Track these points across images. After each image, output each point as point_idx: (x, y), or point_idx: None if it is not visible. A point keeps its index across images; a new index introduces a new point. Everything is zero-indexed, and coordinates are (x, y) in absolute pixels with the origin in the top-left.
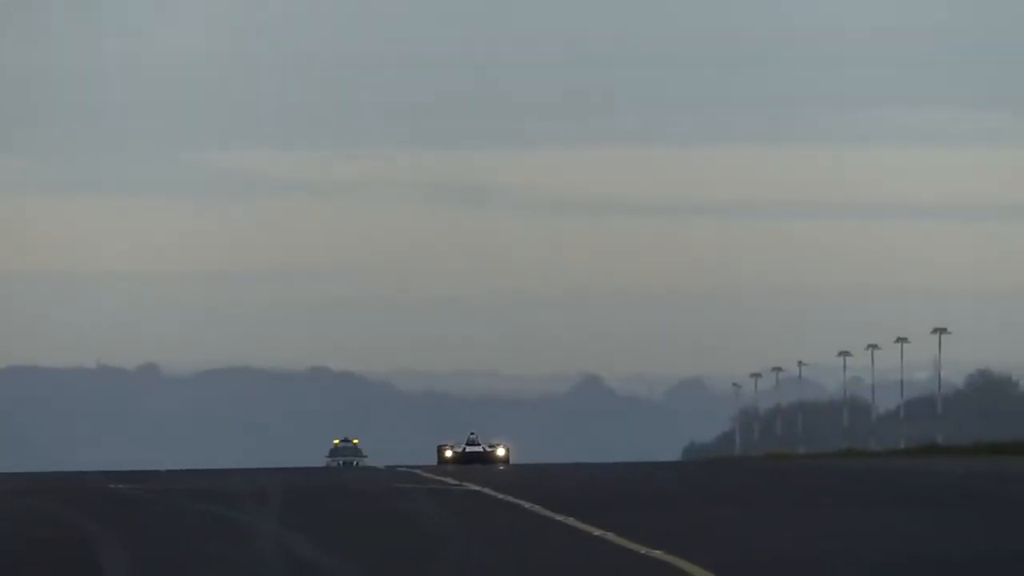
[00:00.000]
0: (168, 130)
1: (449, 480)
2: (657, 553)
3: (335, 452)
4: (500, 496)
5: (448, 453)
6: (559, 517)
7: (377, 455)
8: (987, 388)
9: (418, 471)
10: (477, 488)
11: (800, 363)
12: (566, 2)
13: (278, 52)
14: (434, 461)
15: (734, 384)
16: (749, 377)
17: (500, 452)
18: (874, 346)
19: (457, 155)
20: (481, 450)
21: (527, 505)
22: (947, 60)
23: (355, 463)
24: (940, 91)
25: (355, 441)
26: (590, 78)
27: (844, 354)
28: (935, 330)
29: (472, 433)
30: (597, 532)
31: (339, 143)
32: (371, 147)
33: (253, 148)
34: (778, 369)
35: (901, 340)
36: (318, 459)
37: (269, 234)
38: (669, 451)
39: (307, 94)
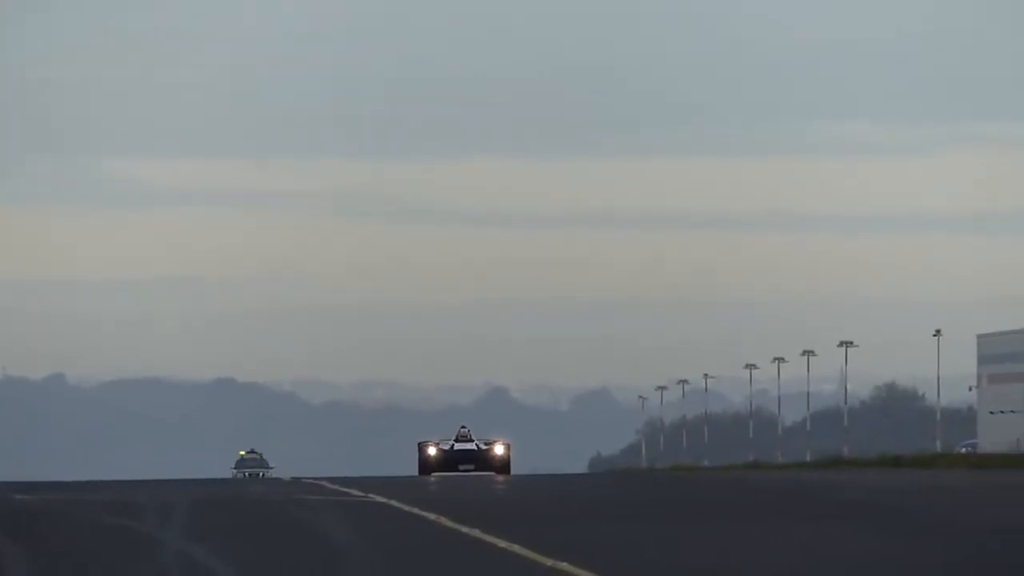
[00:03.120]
0: (78, 140)
1: (355, 492)
2: (563, 565)
3: (241, 463)
4: (406, 508)
5: (431, 451)
6: (465, 529)
7: (283, 466)
8: (892, 401)
9: (323, 482)
10: (383, 500)
11: (706, 375)
12: (480, 18)
13: (179, 59)
14: (414, 464)
15: (640, 396)
16: (655, 389)
17: (499, 450)
18: (780, 359)
19: (362, 167)
20: (474, 448)
21: (432, 517)
22: (830, 72)
23: (261, 474)
24: (848, 104)
25: (261, 453)
26: (502, 91)
27: (750, 367)
28: (841, 343)
29: (463, 427)
30: (503, 544)
31: (246, 154)
32: (277, 159)
33: (163, 159)
34: (684, 381)
35: (807, 353)
36: (224, 470)
37: (175, 245)
38: (575, 462)
39: (217, 104)
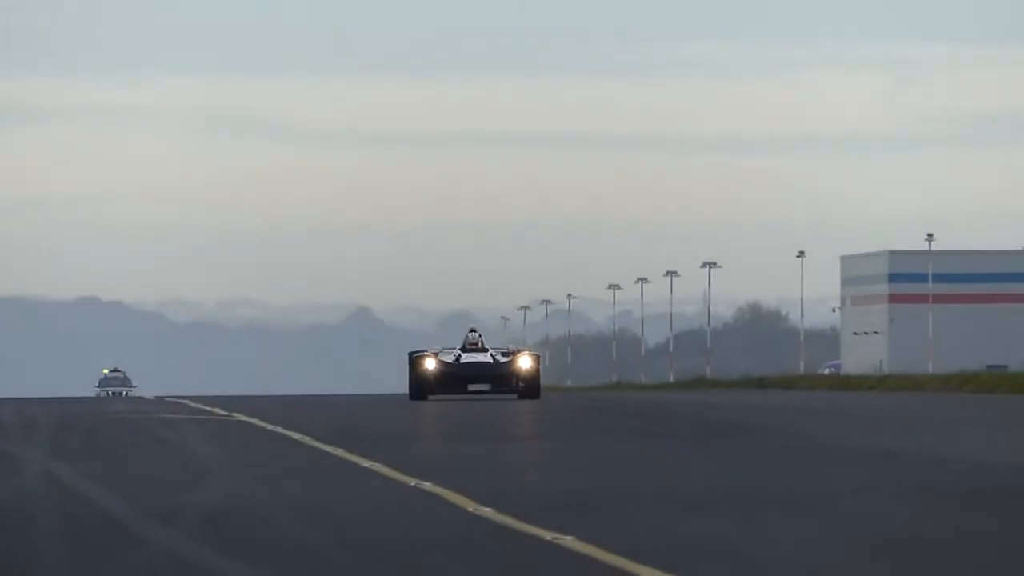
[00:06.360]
0: None
1: (218, 410)
2: (427, 484)
3: (104, 382)
4: (269, 427)
5: (430, 364)
6: (328, 448)
7: (146, 384)
8: (756, 322)
9: (187, 401)
10: (247, 419)
11: (569, 296)
12: None
13: None
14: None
15: (503, 317)
16: (518, 310)
17: (524, 363)
18: (643, 279)
19: (226, 84)
20: (489, 359)
21: (296, 436)
22: None
23: (124, 393)
24: (707, 25)
25: (125, 371)
26: (334, 8)
27: (613, 287)
28: (704, 264)
29: (472, 330)
30: (367, 464)
31: (111, 69)
32: (142, 75)
33: (24, 73)
34: (547, 302)
35: (671, 273)
36: (88, 389)
37: (38, 162)
38: None
39: (74, 16)
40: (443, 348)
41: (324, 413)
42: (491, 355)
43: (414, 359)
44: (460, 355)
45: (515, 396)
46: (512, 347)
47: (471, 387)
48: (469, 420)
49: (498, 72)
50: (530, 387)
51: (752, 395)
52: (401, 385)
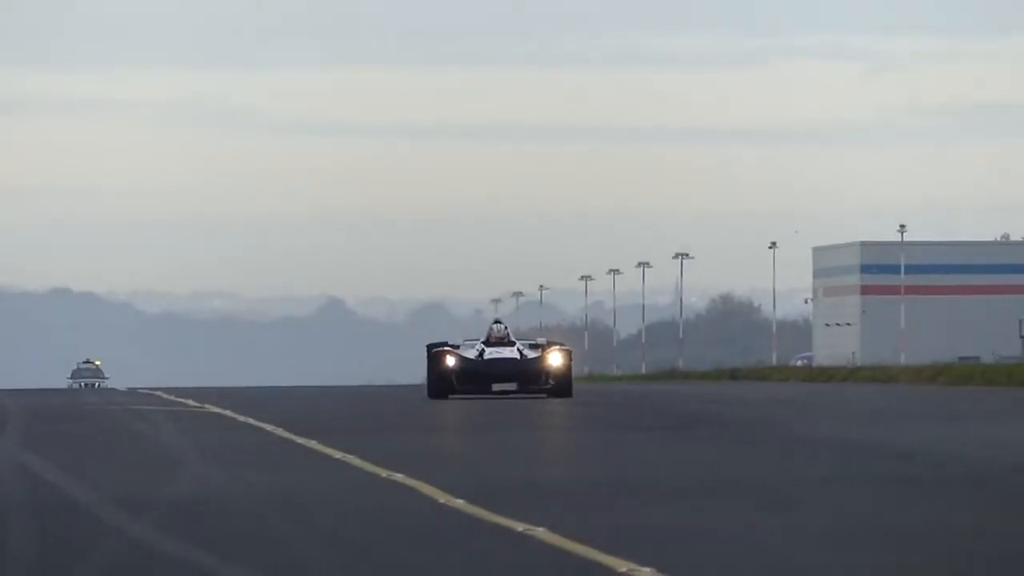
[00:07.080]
0: None
1: (190, 402)
2: (398, 476)
3: (77, 373)
4: (241, 418)
5: (450, 362)
6: (300, 440)
7: (119, 376)
8: (728, 313)
9: (159, 393)
10: (218, 411)
11: (541, 287)
12: None
13: None
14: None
15: (475, 309)
16: (490, 302)
17: (554, 360)
18: (616, 270)
19: (201, 76)
20: (516, 355)
21: (269, 427)
22: None
23: (97, 384)
24: (678, 15)
25: (97, 362)
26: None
27: (586, 278)
28: (677, 255)
29: (497, 322)
30: (339, 455)
31: (82, 61)
32: (114, 66)
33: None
34: (519, 293)
35: (643, 264)
36: (60, 380)
37: (7, 153)
38: (412, 374)
39: (42, 5)
40: (465, 341)
41: (298, 405)
42: (518, 350)
43: (433, 354)
44: (484, 350)
45: (544, 395)
46: (542, 340)
47: (496, 387)
48: (452, 413)
49: (469, 64)
50: (561, 385)
51: (725, 387)
52: (376, 375)
